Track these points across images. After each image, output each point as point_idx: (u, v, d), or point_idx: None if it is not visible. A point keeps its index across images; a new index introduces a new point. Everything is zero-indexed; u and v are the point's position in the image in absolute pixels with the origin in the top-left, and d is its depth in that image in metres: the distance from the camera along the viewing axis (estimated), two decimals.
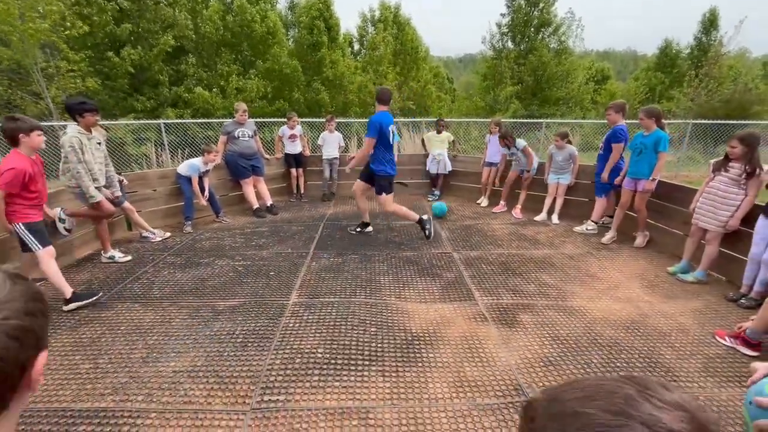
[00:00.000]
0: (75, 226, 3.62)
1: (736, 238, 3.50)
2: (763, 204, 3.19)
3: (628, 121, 4.76)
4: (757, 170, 3.28)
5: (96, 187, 3.77)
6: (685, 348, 2.63)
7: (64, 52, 10.51)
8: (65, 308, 3.10)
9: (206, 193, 5.26)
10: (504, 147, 5.70)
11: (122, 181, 4.73)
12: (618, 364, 2.44)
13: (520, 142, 5.59)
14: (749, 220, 3.35)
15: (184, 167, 5.09)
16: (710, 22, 20.16)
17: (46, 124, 8.53)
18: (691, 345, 2.67)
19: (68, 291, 3.14)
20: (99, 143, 3.86)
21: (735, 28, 14.46)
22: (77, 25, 10.11)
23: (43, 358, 0.55)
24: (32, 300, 0.54)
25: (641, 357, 2.52)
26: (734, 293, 3.32)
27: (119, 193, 4.19)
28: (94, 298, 3.25)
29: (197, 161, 5.11)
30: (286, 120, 6.63)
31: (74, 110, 3.60)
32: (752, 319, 2.62)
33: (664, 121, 4.26)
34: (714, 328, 2.86)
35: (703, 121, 10.53)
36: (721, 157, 3.58)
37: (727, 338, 2.69)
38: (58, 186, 4.36)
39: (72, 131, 3.55)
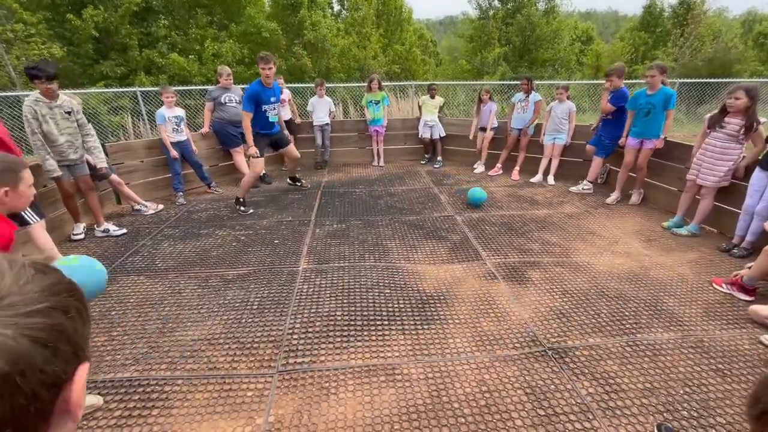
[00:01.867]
0: None
1: (727, 191, 3.62)
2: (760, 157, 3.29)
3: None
4: (755, 124, 3.34)
5: (66, 164, 3.53)
6: (686, 296, 2.77)
7: (18, 14, 9.61)
8: None
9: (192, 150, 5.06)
10: (521, 91, 5.58)
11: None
12: (626, 313, 2.56)
13: (536, 95, 5.52)
14: (744, 173, 3.46)
15: (161, 128, 4.83)
16: None
17: (9, 94, 7.92)
18: (691, 293, 2.81)
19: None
20: (68, 112, 3.51)
21: None
22: None
23: (83, 372, 0.41)
24: (65, 294, 0.40)
25: (647, 306, 2.64)
26: (727, 244, 3.47)
27: (104, 165, 3.91)
28: None
29: (161, 109, 4.82)
30: None
31: (27, 75, 3.33)
32: (748, 267, 2.76)
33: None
34: (710, 276, 3.01)
35: (691, 80, 10.62)
36: (716, 111, 3.62)
37: (723, 285, 2.83)
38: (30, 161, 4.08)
39: (29, 100, 3.27)
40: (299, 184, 5.40)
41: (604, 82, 4.80)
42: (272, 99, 4.34)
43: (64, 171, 3.51)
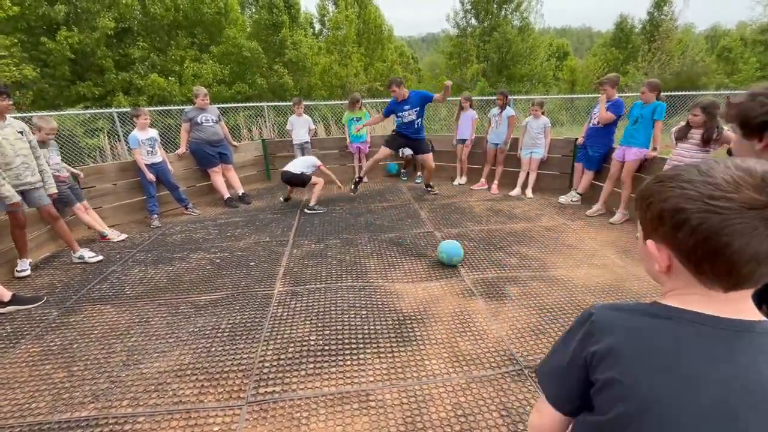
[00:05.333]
0: None
1: None
2: None
3: (590, 95, 4.85)
4: (714, 135, 3.46)
5: (25, 187, 3.30)
6: None
7: None
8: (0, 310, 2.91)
9: (168, 171, 5.00)
10: (497, 107, 5.67)
11: (78, 175, 4.37)
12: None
13: (510, 110, 5.62)
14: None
15: (135, 152, 4.74)
16: None
17: None
18: None
19: (6, 294, 2.94)
20: (20, 132, 3.31)
21: (684, 2, 15.13)
22: (5, 5, 9.09)
23: None
24: None
25: None
26: None
27: (54, 190, 3.64)
28: (38, 303, 3.03)
29: (134, 132, 4.74)
30: (247, 103, 6.34)
31: None
32: None
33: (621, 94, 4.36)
34: None
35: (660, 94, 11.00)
36: (682, 124, 3.75)
37: None
38: None
39: None
40: (430, 189, 5.75)
41: (579, 96, 4.94)
42: (405, 107, 5.17)
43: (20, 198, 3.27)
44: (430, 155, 5.45)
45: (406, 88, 5.19)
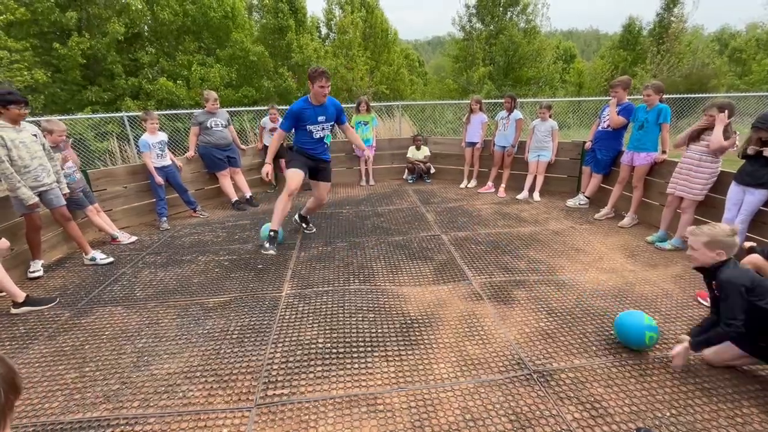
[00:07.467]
0: None
1: (709, 205, 3.67)
2: (734, 171, 3.35)
3: (597, 98, 4.82)
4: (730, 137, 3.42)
5: (42, 189, 3.37)
6: (671, 312, 2.76)
7: (2, 40, 9.66)
8: (14, 310, 2.96)
9: (179, 170, 5.05)
10: (505, 110, 5.66)
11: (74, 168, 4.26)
12: (611, 332, 2.53)
13: (517, 113, 5.62)
14: (720, 189, 3.53)
15: (145, 156, 4.80)
16: None
17: None
18: (676, 308, 2.80)
19: (20, 295, 2.98)
20: (35, 135, 3.39)
21: (693, 3, 15.00)
22: (12, 8, 9.22)
23: None
24: None
25: None
26: None
27: (67, 191, 3.70)
28: (51, 304, 3.08)
29: (144, 136, 4.79)
30: (254, 107, 6.39)
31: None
32: None
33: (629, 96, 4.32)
34: (694, 290, 3.01)
35: (669, 96, 10.92)
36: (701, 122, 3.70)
37: (708, 299, 2.83)
38: None
39: None
40: (305, 226, 4.51)
41: (587, 98, 4.91)
42: (320, 118, 3.78)
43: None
44: (328, 185, 4.19)
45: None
